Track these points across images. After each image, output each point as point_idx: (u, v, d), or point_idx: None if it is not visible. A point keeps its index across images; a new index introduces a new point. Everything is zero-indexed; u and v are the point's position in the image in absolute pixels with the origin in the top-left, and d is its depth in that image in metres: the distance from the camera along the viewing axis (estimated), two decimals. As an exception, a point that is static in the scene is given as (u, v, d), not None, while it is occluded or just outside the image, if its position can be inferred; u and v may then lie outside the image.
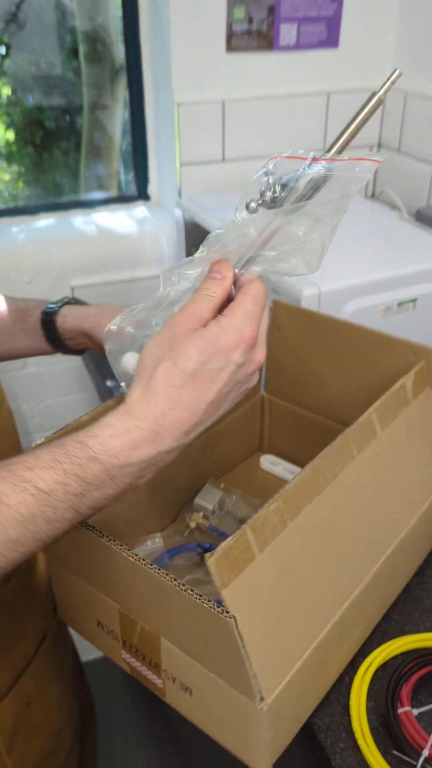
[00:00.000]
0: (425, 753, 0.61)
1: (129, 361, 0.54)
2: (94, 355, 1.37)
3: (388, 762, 0.62)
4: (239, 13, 1.20)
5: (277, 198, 0.52)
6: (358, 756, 0.63)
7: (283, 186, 0.52)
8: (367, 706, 0.67)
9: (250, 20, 1.21)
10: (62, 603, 0.74)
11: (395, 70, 0.52)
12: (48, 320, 0.76)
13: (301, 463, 0.99)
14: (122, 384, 0.55)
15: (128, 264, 1.36)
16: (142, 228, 1.38)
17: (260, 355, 0.50)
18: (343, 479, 0.63)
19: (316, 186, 0.51)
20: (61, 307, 0.77)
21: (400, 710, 0.65)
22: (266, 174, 0.54)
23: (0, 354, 0.81)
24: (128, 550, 0.53)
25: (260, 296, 0.50)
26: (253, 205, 0.53)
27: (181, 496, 0.90)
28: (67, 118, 1.49)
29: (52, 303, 0.77)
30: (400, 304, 0.98)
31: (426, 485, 0.76)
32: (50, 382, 1.47)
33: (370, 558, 0.67)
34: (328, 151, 0.52)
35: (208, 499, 0.90)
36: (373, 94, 0.52)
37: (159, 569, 0.51)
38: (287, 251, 0.50)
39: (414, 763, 0.61)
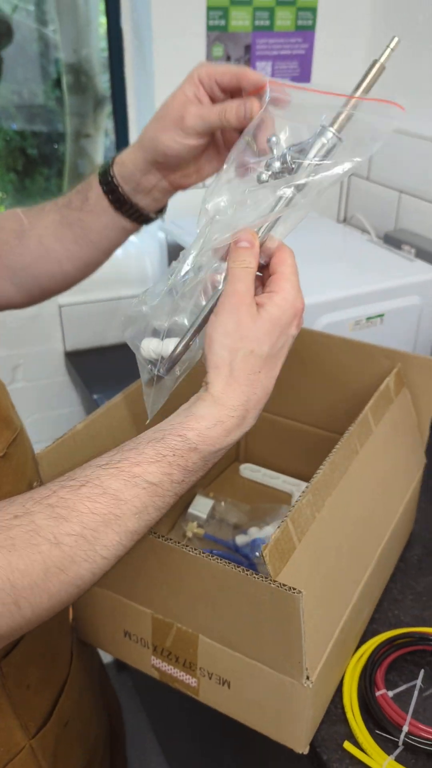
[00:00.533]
0: (405, 729, 0.67)
1: (149, 346, 0.55)
2: (81, 370, 1.43)
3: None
4: (218, 51, 1.29)
5: (287, 167, 0.53)
6: (347, 727, 0.69)
7: (297, 153, 0.53)
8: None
9: (228, 58, 1.30)
10: (83, 620, 0.75)
11: (393, 37, 0.53)
12: (105, 174, 0.66)
13: (280, 469, 1.05)
14: (148, 367, 0.56)
15: (114, 283, 1.42)
16: (126, 250, 1.45)
17: (302, 319, 0.53)
18: (352, 473, 0.69)
19: (328, 152, 0.53)
20: (113, 160, 0.67)
21: (377, 693, 0.71)
22: (272, 145, 0.54)
23: (85, 258, 0.72)
24: (185, 546, 0.57)
25: (294, 263, 0.52)
26: (264, 177, 0.54)
27: (175, 506, 0.95)
28: (50, 146, 1.56)
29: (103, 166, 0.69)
30: (368, 318, 1.05)
31: (409, 474, 0.83)
32: (36, 398, 1.52)
33: (373, 543, 0.74)
34: (332, 125, 0.53)
35: (200, 508, 0.95)
36: (375, 62, 0.54)
37: (220, 559, 0.55)
38: (299, 215, 0.53)
39: (396, 739, 0.67)
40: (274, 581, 0.52)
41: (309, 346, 0.89)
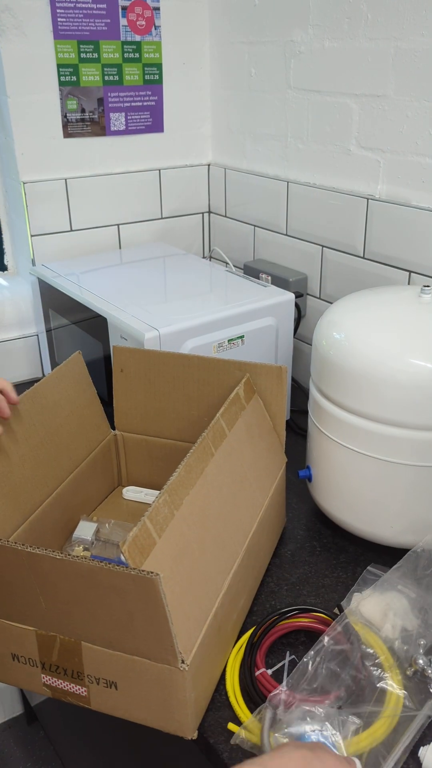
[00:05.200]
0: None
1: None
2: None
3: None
4: (72, 104, 1.37)
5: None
6: (230, 710, 0.75)
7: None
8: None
9: (83, 110, 1.39)
10: None
11: None
12: None
13: (161, 487, 1.10)
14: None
15: (-11, 329, 1.45)
16: (1, 295, 1.48)
17: None
18: (208, 473, 0.76)
19: None
20: None
21: (257, 672, 0.77)
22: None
23: None
24: (52, 551, 0.60)
25: None
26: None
27: (57, 536, 0.98)
28: None
29: None
30: (230, 340, 1.14)
31: (271, 472, 0.91)
32: None
33: (239, 537, 0.80)
34: None
35: (84, 532, 0.99)
36: None
37: (84, 559, 0.59)
38: None
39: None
40: (134, 569, 0.57)
41: (172, 369, 0.96)
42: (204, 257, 1.67)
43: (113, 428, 1.09)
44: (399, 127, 1.11)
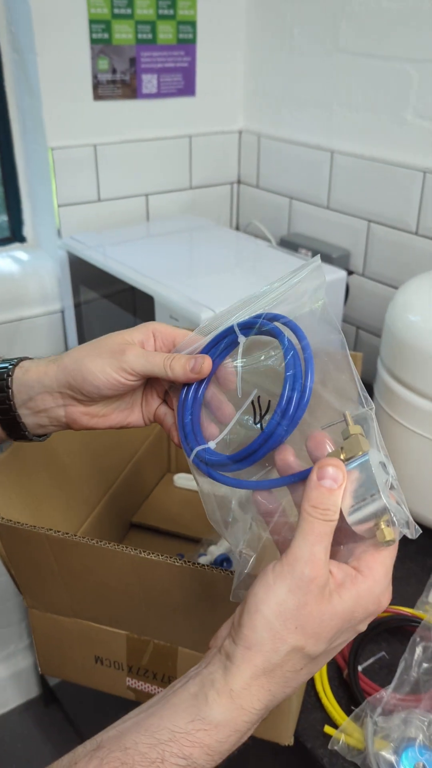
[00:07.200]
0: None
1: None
2: None
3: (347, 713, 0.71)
4: (103, 64, 1.28)
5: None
6: (323, 712, 0.72)
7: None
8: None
9: (114, 71, 1.30)
10: (47, 656, 0.73)
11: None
12: (2, 370, 0.55)
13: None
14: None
15: (11, 305, 1.37)
16: (22, 269, 1.40)
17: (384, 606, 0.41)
18: None
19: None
20: (19, 362, 0.56)
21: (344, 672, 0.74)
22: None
23: None
24: (169, 557, 0.55)
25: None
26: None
27: (119, 530, 0.93)
28: None
29: (4, 361, 0.57)
30: (284, 320, 1.09)
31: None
32: None
33: None
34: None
35: None
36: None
37: (209, 566, 0.55)
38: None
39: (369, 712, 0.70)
40: None
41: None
42: (232, 229, 1.60)
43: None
44: (464, 95, 1.06)
